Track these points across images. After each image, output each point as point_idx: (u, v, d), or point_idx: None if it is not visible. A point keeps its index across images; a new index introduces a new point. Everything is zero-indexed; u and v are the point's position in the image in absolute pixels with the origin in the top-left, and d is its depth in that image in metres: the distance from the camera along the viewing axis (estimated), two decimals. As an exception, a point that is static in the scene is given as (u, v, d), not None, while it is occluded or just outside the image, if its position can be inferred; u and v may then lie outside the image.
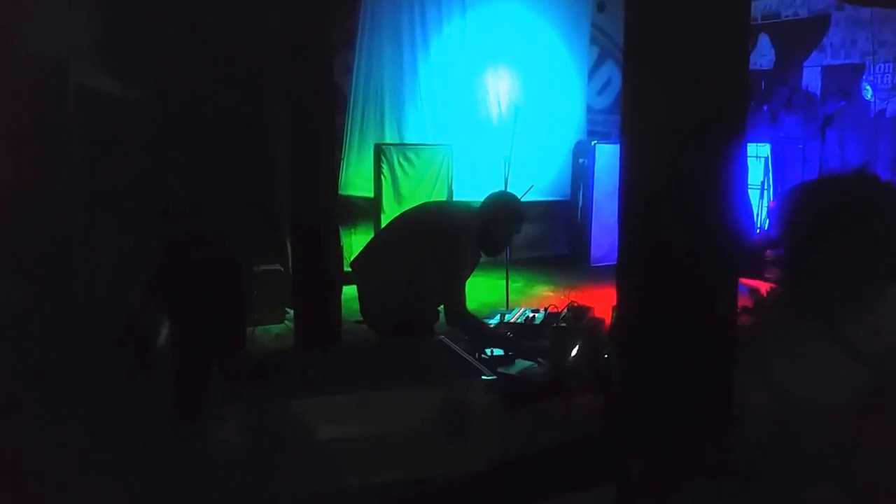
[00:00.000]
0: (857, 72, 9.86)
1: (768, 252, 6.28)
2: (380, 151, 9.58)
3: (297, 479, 2.26)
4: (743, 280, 5.81)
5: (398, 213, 4.93)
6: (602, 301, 4.71)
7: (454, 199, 9.18)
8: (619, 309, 2.36)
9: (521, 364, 3.50)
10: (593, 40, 11.78)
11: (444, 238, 4.14)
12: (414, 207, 4.92)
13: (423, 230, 4.33)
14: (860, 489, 1.67)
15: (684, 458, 1.88)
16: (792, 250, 1.91)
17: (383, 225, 8.84)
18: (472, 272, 4.35)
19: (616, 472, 2.18)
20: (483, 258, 4.44)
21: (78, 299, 2.69)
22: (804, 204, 1.90)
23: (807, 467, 1.72)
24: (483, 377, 2.52)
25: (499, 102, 10.84)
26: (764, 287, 5.80)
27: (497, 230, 4.28)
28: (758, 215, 9.83)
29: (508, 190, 7.35)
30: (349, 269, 4.66)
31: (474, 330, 3.96)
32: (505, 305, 7.27)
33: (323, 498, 2.27)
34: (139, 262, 3.74)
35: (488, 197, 4.40)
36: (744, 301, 6.03)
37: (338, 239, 5.08)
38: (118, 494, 2.13)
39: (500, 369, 3.29)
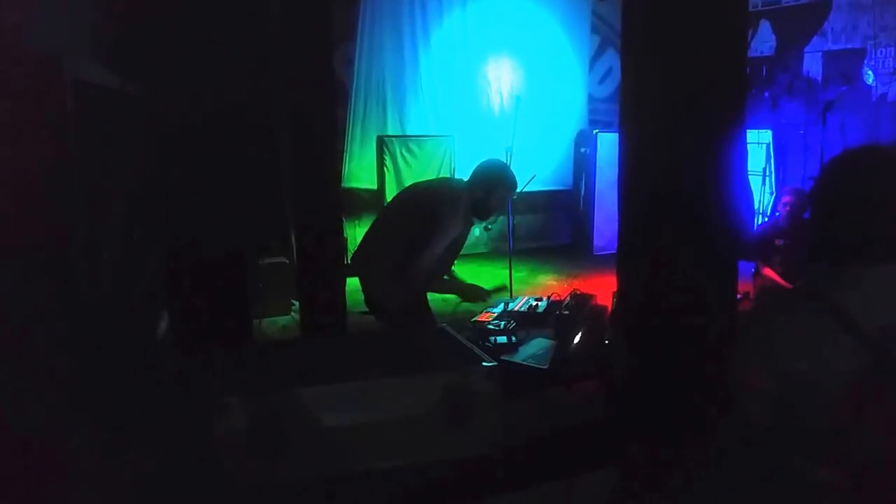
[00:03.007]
0: (858, 57, 9.84)
1: (777, 241, 6.29)
2: (382, 143, 9.60)
3: (301, 467, 2.29)
4: (768, 272, 5.77)
5: (381, 212, 5.04)
6: (604, 289, 4.73)
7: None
8: (620, 296, 2.39)
9: (525, 351, 3.52)
10: (594, 29, 11.76)
11: (425, 215, 4.17)
12: (403, 189, 4.99)
13: (408, 210, 4.37)
14: (861, 468, 1.68)
15: (684, 440, 1.91)
16: (824, 222, 1.90)
17: (386, 217, 8.88)
18: (460, 246, 4.43)
19: (618, 455, 2.21)
20: (486, 250, 4.58)
21: (80, 295, 2.71)
22: (846, 174, 1.89)
23: (808, 447, 1.73)
24: (484, 364, 2.55)
25: (500, 93, 10.84)
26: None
27: (488, 198, 4.27)
28: (760, 201, 9.83)
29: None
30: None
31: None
32: (508, 294, 7.30)
33: (327, 484, 2.30)
34: (143, 257, 3.76)
35: (476, 167, 4.41)
36: (747, 287, 6.02)
37: (342, 231, 5.10)
38: (121, 486, 2.16)
39: (503, 357, 3.32)
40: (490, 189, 4.26)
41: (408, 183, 9.36)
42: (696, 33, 2.05)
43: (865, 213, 1.79)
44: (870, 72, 9.73)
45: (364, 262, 4.43)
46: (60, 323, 2.26)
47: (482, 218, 4.38)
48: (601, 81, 12.05)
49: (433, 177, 9.51)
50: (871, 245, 1.78)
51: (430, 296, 4.50)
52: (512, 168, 6.58)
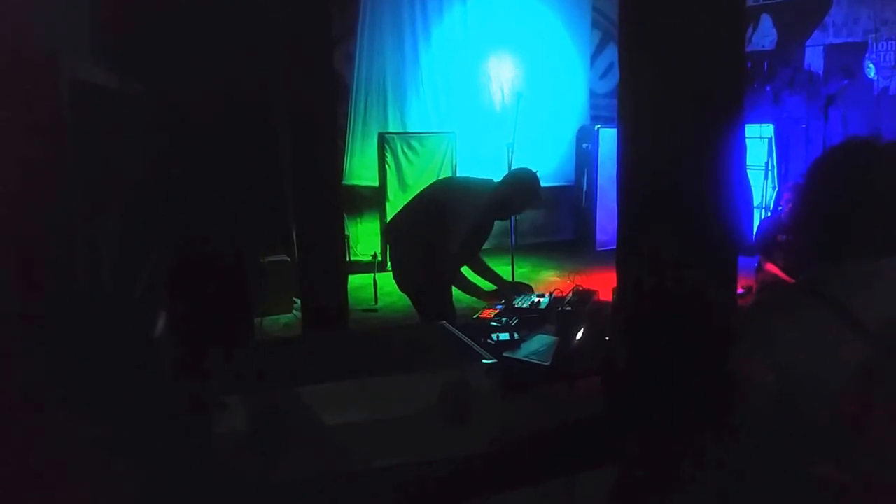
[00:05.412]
0: (859, 50, 9.82)
1: (780, 237, 6.27)
2: (383, 140, 9.59)
3: (301, 465, 2.29)
4: (770, 267, 5.81)
5: (414, 195, 5.33)
6: (607, 285, 4.72)
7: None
8: (619, 292, 2.38)
9: (527, 348, 3.51)
10: (595, 24, 11.76)
11: (462, 202, 4.72)
12: (441, 179, 5.78)
13: (441, 198, 4.87)
14: (861, 464, 1.68)
15: (685, 437, 1.90)
16: (819, 219, 1.89)
17: (388, 214, 8.90)
18: (482, 236, 4.91)
19: (621, 452, 2.20)
20: (488, 245, 5.00)
21: (78, 295, 2.71)
22: (843, 169, 1.88)
23: (808, 442, 1.73)
24: (483, 361, 2.55)
25: (501, 89, 10.83)
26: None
27: (511, 199, 4.84)
28: (762, 196, 9.83)
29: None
30: (357, 258, 4.94)
31: (478, 264, 4.93)
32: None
33: (326, 483, 2.30)
34: (143, 256, 3.76)
35: (508, 172, 5.16)
36: (749, 282, 6.02)
37: (343, 229, 5.11)
38: (121, 485, 2.16)
39: (505, 353, 3.31)
40: (515, 190, 4.85)
41: (409, 180, 9.42)
42: (694, 28, 2.04)
43: (859, 209, 1.78)
44: (871, 65, 9.71)
45: (398, 233, 5.02)
46: (59, 322, 2.26)
47: (504, 215, 5.14)
48: (602, 77, 12.04)
49: (435, 173, 9.53)
50: (867, 240, 1.77)
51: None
52: (514, 164, 6.80)
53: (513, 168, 5.24)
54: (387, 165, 9.56)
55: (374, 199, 9.74)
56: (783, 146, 10.12)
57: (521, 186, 4.88)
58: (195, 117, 3.67)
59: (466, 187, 5.03)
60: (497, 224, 5.16)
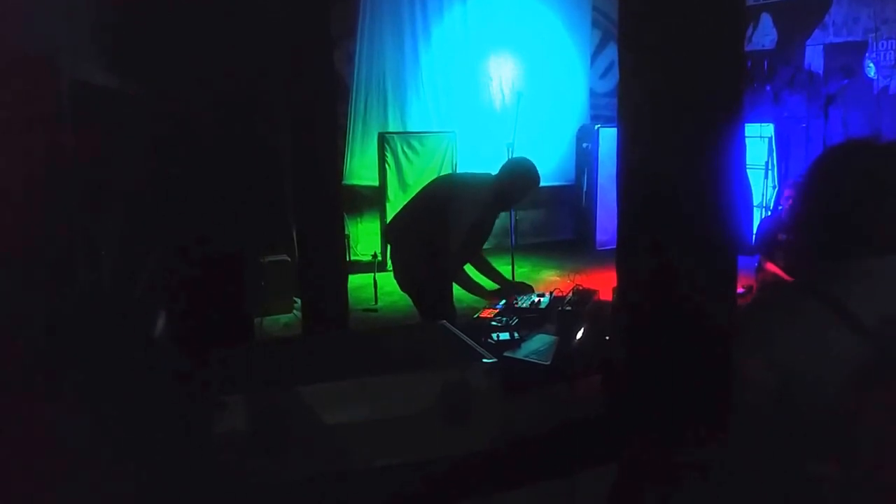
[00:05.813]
0: (859, 49, 9.82)
1: (780, 236, 6.27)
2: (383, 140, 9.59)
3: (300, 464, 2.29)
4: (770, 266, 5.81)
5: (414, 193, 5.33)
6: (607, 284, 4.71)
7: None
8: (619, 292, 2.38)
9: (527, 347, 3.51)
10: (595, 24, 11.76)
11: (462, 199, 4.72)
12: (441, 177, 5.77)
13: (442, 196, 4.89)
14: (860, 463, 1.67)
15: (683, 437, 1.90)
16: (818, 219, 1.89)
17: (388, 213, 8.91)
18: (486, 232, 4.89)
19: (619, 452, 2.20)
20: (488, 245, 5.01)
21: (77, 295, 2.71)
22: (842, 169, 1.88)
23: (807, 441, 1.73)
24: (484, 360, 2.55)
25: (501, 88, 10.83)
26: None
27: (512, 189, 4.84)
28: (762, 195, 9.83)
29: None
30: (357, 258, 4.94)
31: (480, 262, 4.92)
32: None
33: (325, 482, 2.30)
34: (142, 255, 3.76)
35: (505, 162, 5.09)
36: (750, 282, 6.01)
37: (343, 229, 5.11)
38: (121, 484, 2.16)
39: (505, 353, 3.31)
40: (514, 180, 4.84)
41: (409, 180, 9.42)
42: (694, 27, 2.03)
43: (859, 208, 1.78)
44: (871, 64, 9.71)
45: (398, 233, 5.01)
46: (59, 322, 2.26)
47: (506, 207, 5.03)
48: (602, 76, 12.04)
49: (435, 173, 9.53)
50: (867, 240, 1.77)
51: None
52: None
53: (510, 159, 5.21)
54: (387, 165, 9.57)
55: (374, 199, 9.74)
56: (783, 145, 10.12)
57: (518, 174, 4.88)
58: (195, 117, 3.67)
59: (466, 184, 5.02)
60: (497, 224, 5.16)
